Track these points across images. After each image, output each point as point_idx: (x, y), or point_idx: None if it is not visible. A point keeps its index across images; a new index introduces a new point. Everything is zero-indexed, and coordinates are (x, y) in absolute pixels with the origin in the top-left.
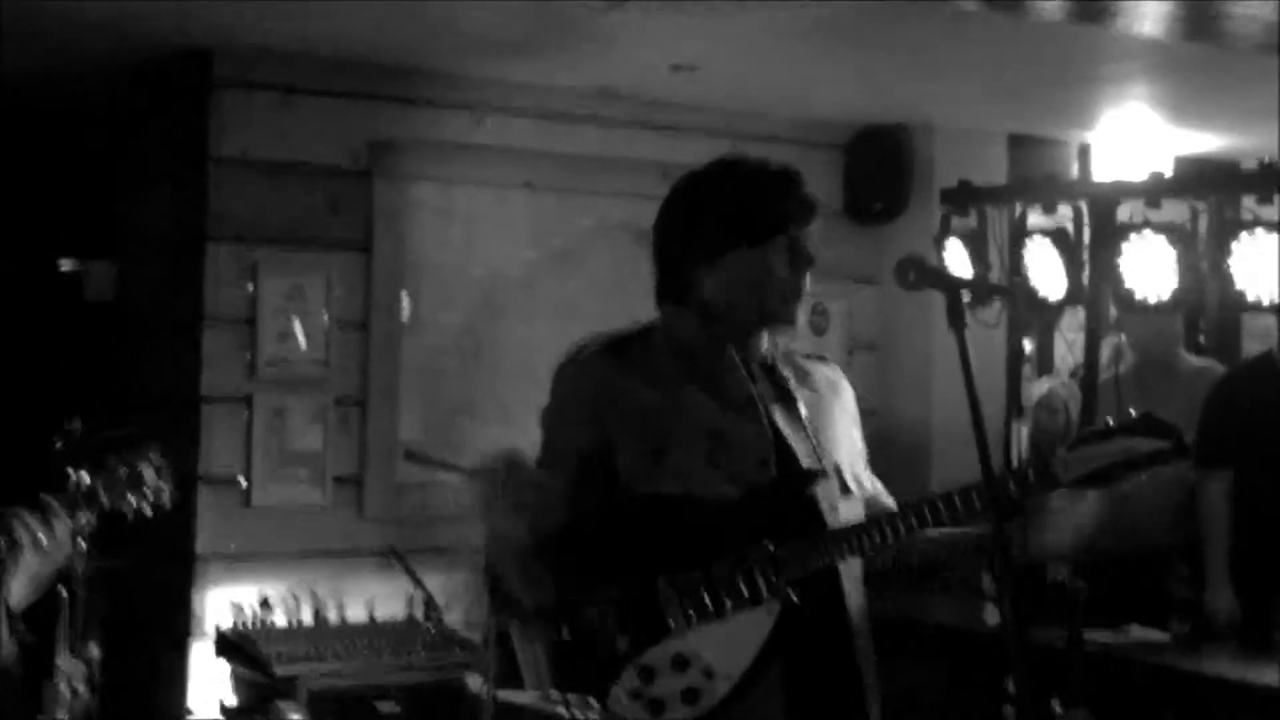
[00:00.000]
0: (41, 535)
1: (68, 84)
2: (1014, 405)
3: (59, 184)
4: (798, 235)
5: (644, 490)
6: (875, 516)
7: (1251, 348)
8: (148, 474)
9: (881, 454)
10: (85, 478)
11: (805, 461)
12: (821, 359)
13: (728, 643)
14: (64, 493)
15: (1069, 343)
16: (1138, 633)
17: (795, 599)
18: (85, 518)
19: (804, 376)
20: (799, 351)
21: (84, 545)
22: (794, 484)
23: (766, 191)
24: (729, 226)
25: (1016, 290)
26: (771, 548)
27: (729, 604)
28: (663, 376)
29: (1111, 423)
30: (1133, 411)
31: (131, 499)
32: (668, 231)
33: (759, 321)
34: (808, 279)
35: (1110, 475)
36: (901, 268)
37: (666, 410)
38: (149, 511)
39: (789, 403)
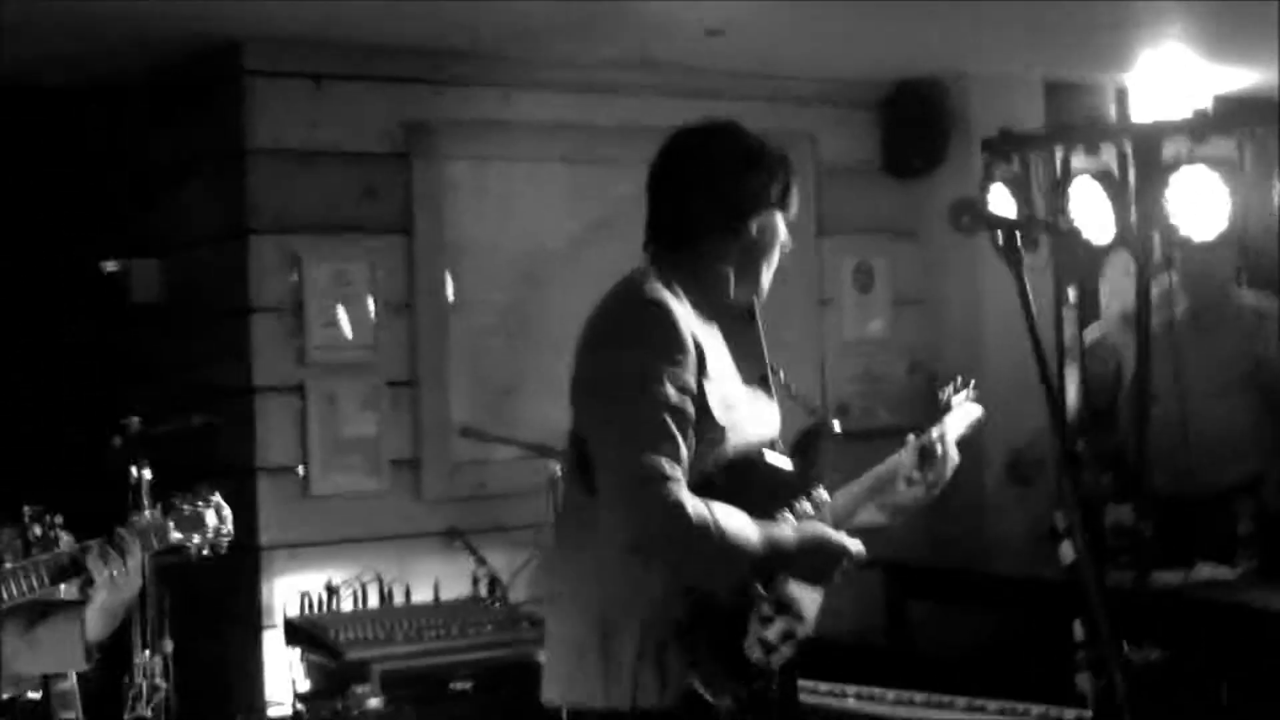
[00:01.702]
0: (116, 571)
1: (96, 83)
2: (1062, 350)
3: (95, 184)
4: (778, 219)
5: (722, 444)
6: None
7: None
8: (209, 516)
9: (934, 408)
10: (157, 513)
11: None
12: None
13: (804, 586)
14: (135, 526)
15: (1113, 289)
16: (1205, 571)
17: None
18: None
19: None
20: None
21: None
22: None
23: (757, 172)
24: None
25: (1063, 232)
26: (826, 495)
27: None
28: (700, 323)
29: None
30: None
31: (196, 538)
32: (663, 187)
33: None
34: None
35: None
36: (955, 210)
37: (719, 367)
38: (208, 552)
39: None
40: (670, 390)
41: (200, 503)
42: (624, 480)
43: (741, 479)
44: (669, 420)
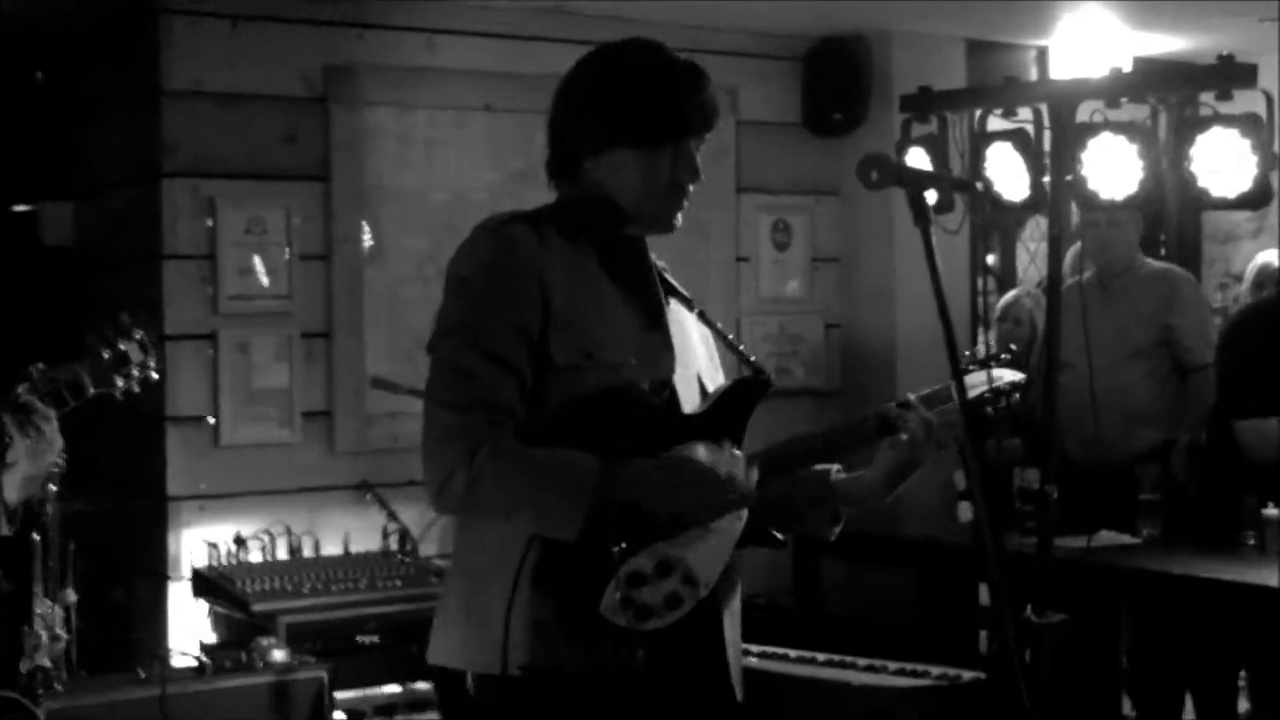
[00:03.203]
0: (34, 437)
1: (10, 23)
2: (978, 315)
3: (7, 126)
4: (690, 146)
5: (581, 387)
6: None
7: (1211, 249)
8: (132, 350)
9: (848, 366)
10: (72, 367)
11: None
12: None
13: (707, 549)
14: (44, 388)
15: (1031, 254)
16: (1108, 537)
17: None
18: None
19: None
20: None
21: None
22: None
23: (666, 94)
24: (619, 123)
25: (978, 190)
26: (738, 451)
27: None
28: (579, 261)
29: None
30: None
31: (119, 380)
32: (560, 108)
33: (640, 221)
34: (697, 181)
35: (985, 400)
36: (864, 166)
37: (591, 307)
38: (136, 388)
39: (674, 303)
40: (485, 338)
41: (119, 338)
42: (424, 435)
43: (601, 419)
44: (475, 368)
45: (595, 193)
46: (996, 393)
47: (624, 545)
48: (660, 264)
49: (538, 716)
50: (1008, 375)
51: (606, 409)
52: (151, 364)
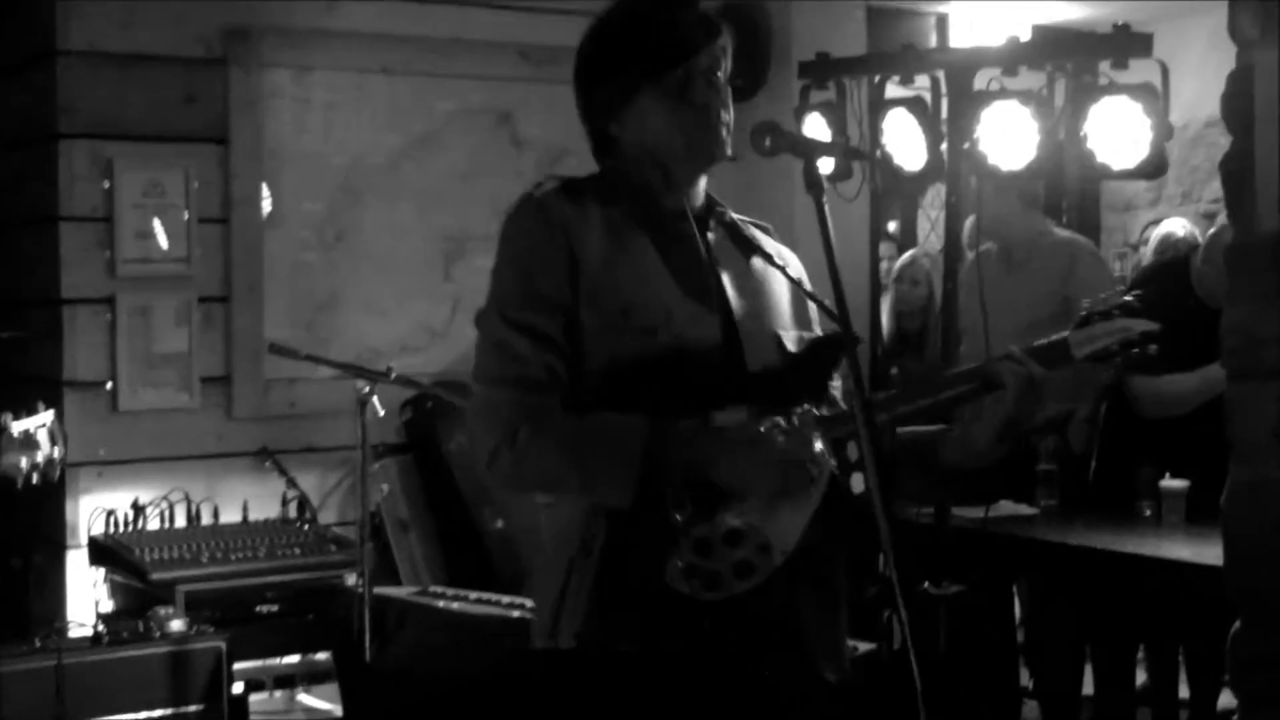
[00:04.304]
0: None
1: None
2: (879, 282)
3: None
4: (701, 60)
5: (621, 349)
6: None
7: (1110, 218)
8: (42, 437)
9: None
10: None
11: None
12: (762, 228)
13: (785, 513)
14: None
15: (932, 220)
16: (1006, 508)
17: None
18: None
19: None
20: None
21: None
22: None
23: (654, 19)
24: (619, 67)
25: (875, 158)
26: (817, 412)
27: None
28: (617, 229)
29: (1114, 303)
30: (1127, 296)
31: (23, 463)
32: (577, 88)
33: (686, 160)
34: (728, 104)
35: (1111, 353)
36: (757, 133)
37: (628, 273)
38: (36, 480)
39: (756, 262)
40: (515, 310)
41: (35, 423)
42: (468, 411)
43: (648, 382)
44: (510, 342)
45: (632, 155)
46: (1126, 344)
47: (689, 510)
48: (742, 220)
49: (589, 692)
50: (1138, 325)
51: (652, 371)
52: (57, 457)
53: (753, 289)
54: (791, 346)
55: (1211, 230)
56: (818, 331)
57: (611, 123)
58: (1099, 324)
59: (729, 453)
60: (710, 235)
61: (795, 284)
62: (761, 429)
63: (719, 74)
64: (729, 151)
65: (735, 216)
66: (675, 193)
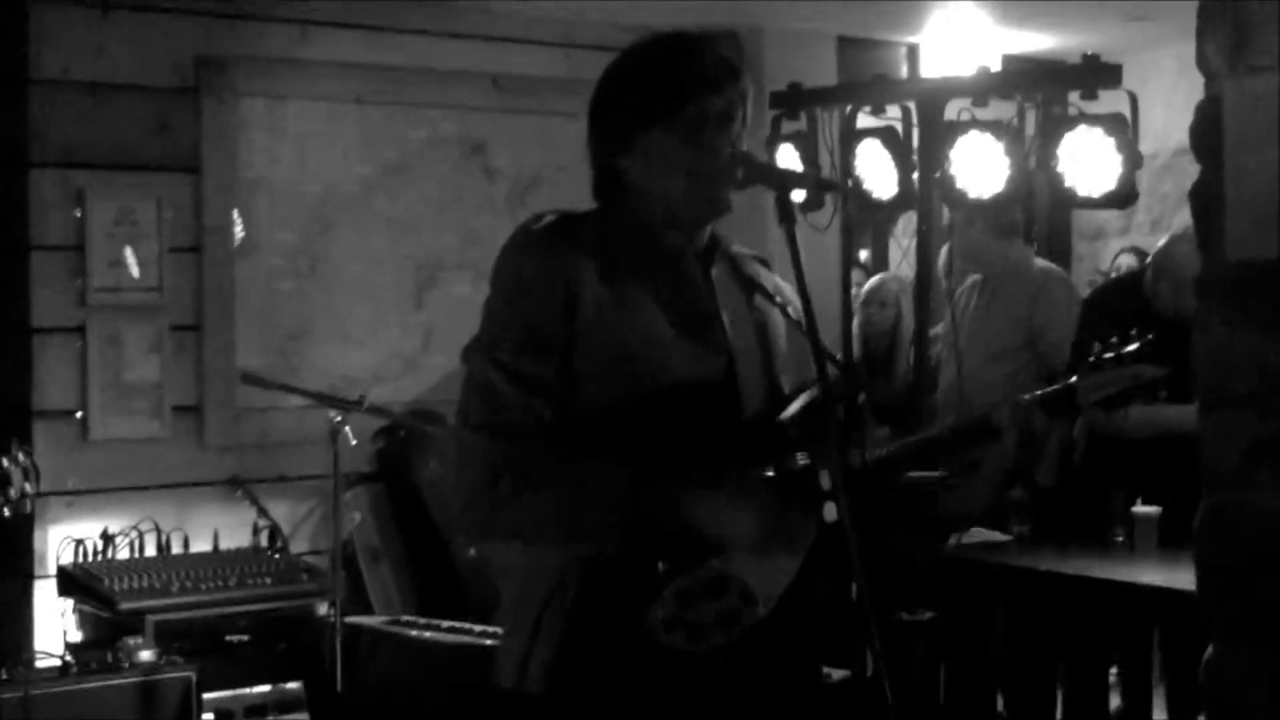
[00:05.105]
0: None
1: None
2: (849, 309)
3: None
4: (717, 102)
5: (613, 394)
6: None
7: (1081, 246)
8: (15, 475)
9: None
10: None
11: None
12: (762, 261)
13: (769, 563)
14: None
15: (904, 249)
16: (979, 534)
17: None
18: None
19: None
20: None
21: None
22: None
23: (670, 58)
24: (640, 101)
25: (847, 189)
26: (807, 460)
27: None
28: (616, 270)
29: (1122, 350)
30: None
31: None
32: (590, 123)
33: (685, 205)
34: (737, 149)
35: (1121, 398)
36: (729, 164)
37: (624, 313)
38: (7, 513)
39: (757, 301)
40: (503, 351)
41: (5, 458)
42: (451, 454)
43: (638, 427)
44: (495, 384)
45: (636, 192)
46: (1135, 389)
47: (671, 560)
48: (742, 253)
49: None
50: (1148, 371)
51: (645, 415)
52: (30, 492)
53: (752, 331)
54: (788, 391)
55: (1159, 245)
56: (813, 370)
57: (621, 157)
58: (1109, 370)
59: (713, 502)
60: (714, 272)
61: (799, 326)
62: (748, 478)
63: (733, 120)
64: (731, 207)
65: (737, 250)
66: (678, 232)
